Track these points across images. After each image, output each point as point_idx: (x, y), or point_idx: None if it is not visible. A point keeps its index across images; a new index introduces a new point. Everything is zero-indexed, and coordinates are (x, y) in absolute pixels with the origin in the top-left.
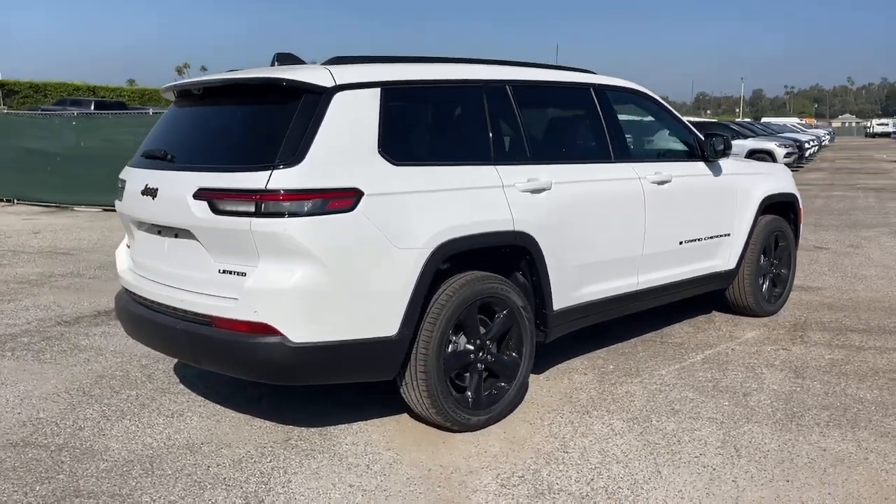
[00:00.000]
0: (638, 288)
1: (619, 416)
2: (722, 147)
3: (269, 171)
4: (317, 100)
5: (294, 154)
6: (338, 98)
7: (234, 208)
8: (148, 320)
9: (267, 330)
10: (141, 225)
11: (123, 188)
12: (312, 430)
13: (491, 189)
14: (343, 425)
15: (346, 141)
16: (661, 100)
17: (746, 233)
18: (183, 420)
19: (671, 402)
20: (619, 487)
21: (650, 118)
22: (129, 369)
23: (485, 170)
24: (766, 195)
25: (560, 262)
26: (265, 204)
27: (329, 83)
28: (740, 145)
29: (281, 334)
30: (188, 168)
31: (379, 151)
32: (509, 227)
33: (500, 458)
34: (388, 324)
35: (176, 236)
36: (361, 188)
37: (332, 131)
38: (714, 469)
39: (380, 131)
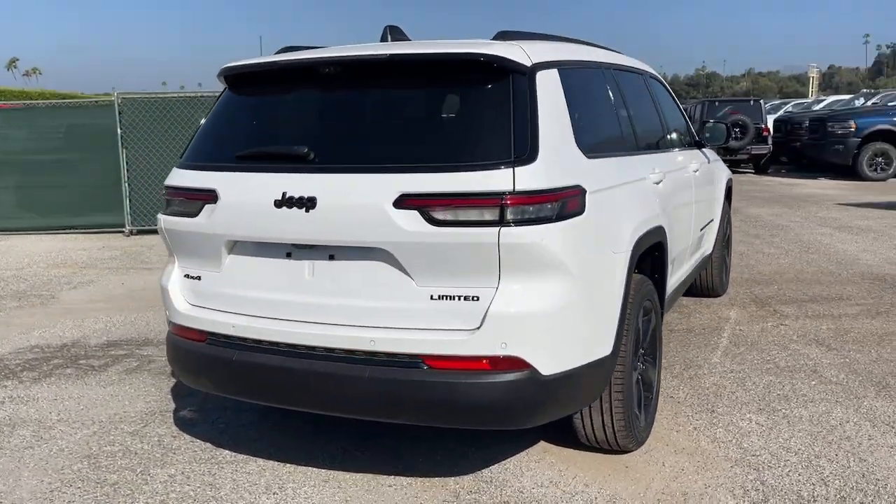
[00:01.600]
0: (683, 278)
1: (744, 409)
2: (724, 134)
3: (511, 169)
4: (523, 81)
5: (526, 148)
6: (539, 79)
7: (465, 217)
8: (287, 371)
9: (514, 365)
10: (252, 247)
11: (215, 199)
12: (468, 478)
13: (643, 181)
14: (496, 466)
15: (556, 129)
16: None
17: (720, 217)
18: (299, 495)
19: (767, 388)
20: (857, 476)
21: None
22: (122, 440)
23: (636, 160)
24: (728, 178)
25: (670, 256)
26: (513, 209)
27: (527, 61)
28: None
29: (531, 367)
30: (369, 169)
31: (574, 141)
32: (658, 222)
33: (703, 472)
34: (607, 341)
35: (331, 258)
36: (584, 185)
37: (546, 118)
38: None
39: (570, 118)
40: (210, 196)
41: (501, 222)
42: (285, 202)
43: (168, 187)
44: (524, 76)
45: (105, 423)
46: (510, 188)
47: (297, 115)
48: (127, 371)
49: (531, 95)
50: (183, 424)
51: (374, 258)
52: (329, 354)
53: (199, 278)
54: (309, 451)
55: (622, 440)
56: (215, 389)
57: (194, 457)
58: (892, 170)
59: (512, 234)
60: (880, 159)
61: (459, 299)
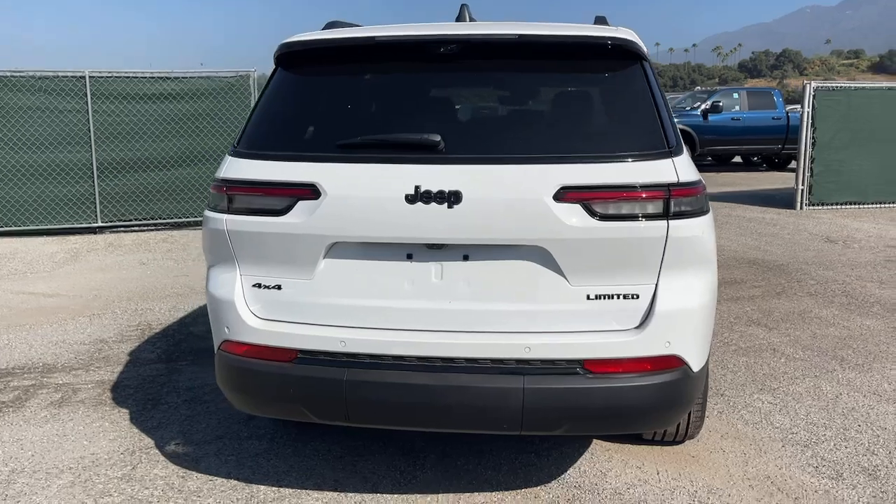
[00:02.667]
0: None
1: (746, 390)
2: None
3: (671, 160)
4: (648, 68)
5: (674, 138)
6: (645, 66)
7: (632, 211)
8: (419, 388)
9: (673, 363)
10: (359, 249)
11: (316, 195)
12: (554, 485)
13: None
14: (571, 471)
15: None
16: None
17: None
18: None
19: (749, 368)
20: (892, 442)
21: None
22: (119, 488)
23: None
24: None
25: None
26: (677, 201)
27: (643, 49)
28: None
29: (685, 365)
30: (520, 160)
31: None
32: None
33: (765, 455)
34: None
35: (466, 258)
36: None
37: (665, 107)
38: None
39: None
40: (307, 191)
41: (667, 215)
42: (420, 197)
43: (234, 181)
44: (647, 63)
45: (79, 469)
46: (675, 179)
47: (409, 99)
48: (53, 405)
49: (657, 84)
50: (182, 461)
51: (522, 257)
52: (472, 366)
53: (278, 287)
54: (361, 475)
55: (694, 430)
56: (309, 416)
57: (227, 497)
58: None
59: (680, 227)
60: None
61: (618, 298)
